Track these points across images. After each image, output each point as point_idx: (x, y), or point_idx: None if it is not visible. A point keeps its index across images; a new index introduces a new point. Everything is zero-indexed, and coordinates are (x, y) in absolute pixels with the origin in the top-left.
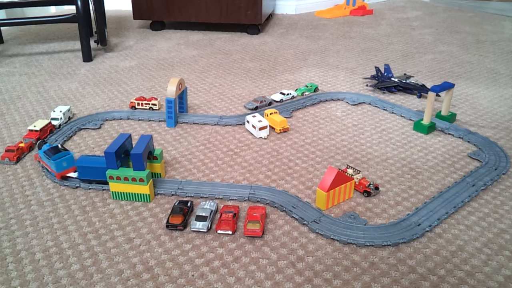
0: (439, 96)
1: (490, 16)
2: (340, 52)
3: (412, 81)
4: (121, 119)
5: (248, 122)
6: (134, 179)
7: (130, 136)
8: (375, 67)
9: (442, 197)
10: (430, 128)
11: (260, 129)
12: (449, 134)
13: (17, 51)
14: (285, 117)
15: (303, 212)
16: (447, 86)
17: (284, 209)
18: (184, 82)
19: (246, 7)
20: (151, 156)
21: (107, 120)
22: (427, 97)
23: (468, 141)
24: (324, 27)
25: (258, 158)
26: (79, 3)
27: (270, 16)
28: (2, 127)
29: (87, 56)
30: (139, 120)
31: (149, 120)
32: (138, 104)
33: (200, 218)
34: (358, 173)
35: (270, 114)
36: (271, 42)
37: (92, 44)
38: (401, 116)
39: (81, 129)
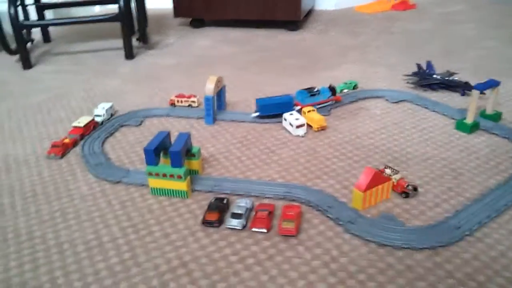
0: (484, 94)
1: None
2: (380, 48)
3: (455, 78)
4: (161, 116)
5: (285, 120)
6: (172, 176)
7: (169, 133)
8: (417, 63)
9: (484, 200)
10: (474, 127)
11: (297, 127)
12: (493, 133)
13: (64, 49)
14: (323, 115)
15: (338, 212)
16: (492, 84)
17: (319, 208)
18: (223, 80)
19: (284, 3)
20: (189, 153)
21: (147, 117)
22: (471, 95)
23: None
24: (364, 23)
25: (294, 156)
26: (121, 2)
27: (310, 12)
28: (49, 124)
29: (129, 54)
30: (178, 117)
31: (188, 117)
32: (178, 101)
33: (235, 216)
34: (397, 173)
35: (308, 112)
36: (310, 39)
37: (134, 42)
38: (443, 114)
39: (123, 125)
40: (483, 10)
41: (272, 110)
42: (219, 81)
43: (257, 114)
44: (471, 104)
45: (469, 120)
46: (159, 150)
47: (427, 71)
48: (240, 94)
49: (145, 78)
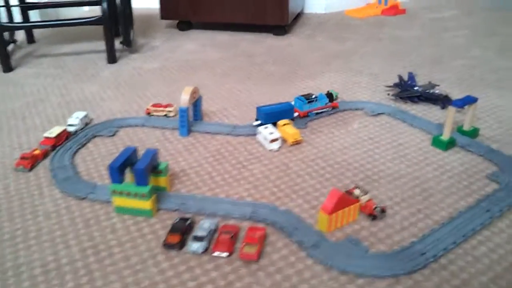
0: (463, 108)
1: None
2: (366, 56)
3: (437, 90)
4: (136, 126)
5: (260, 133)
6: (136, 195)
7: (135, 149)
8: (398, 75)
9: (452, 224)
10: (450, 144)
11: (271, 141)
12: (469, 151)
13: (48, 51)
14: (299, 128)
15: (303, 235)
16: (470, 101)
17: (284, 230)
18: (199, 90)
19: (272, 7)
20: (156, 170)
21: (122, 127)
22: (447, 112)
23: (490, 160)
24: (353, 28)
25: (266, 172)
26: (105, 5)
27: (299, 15)
28: (22, 132)
29: (112, 58)
30: (153, 127)
31: (163, 128)
32: (154, 110)
33: (197, 239)
34: (366, 194)
35: (283, 125)
36: (297, 44)
37: (119, 45)
38: (421, 129)
39: (96, 136)
40: (476, 17)
41: (274, 118)
42: (194, 92)
43: (258, 122)
44: (447, 120)
45: (445, 136)
46: (125, 167)
47: (409, 82)
48: (218, 103)
49: (125, 84)
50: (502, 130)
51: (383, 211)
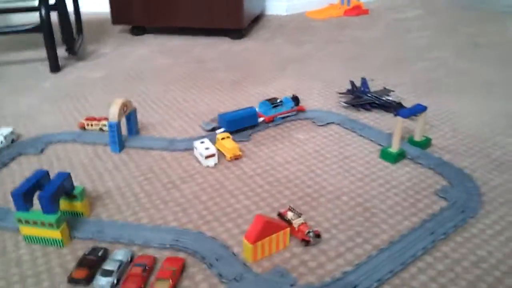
0: (409, 118)
1: (496, 15)
2: (322, 59)
3: (390, 97)
4: (66, 142)
5: (196, 148)
6: (43, 223)
7: (47, 172)
8: (350, 80)
9: (392, 249)
10: (399, 157)
11: (207, 157)
12: (419, 163)
13: None
14: (242, 140)
15: (225, 266)
16: (419, 110)
17: (206, 261)
18: (131, 103)
19: (227, 11)
20: (70, 195)
21: (52, 143)
22: (395, 123)
23: (439, 173)
24: (313, 30)
25: (198, 192)
26: (42, 12)
27: (259, 17)
28: None
29: (54, 67)
30: (85, 143)
31: (96, 144)
32: (88, 124)
33: (105, 273)
34: (299, 217)
35: (222, 139)
36: (253, 48)
37: (64, 52)
38: (370, 140)
39: (21, 154)
40: (440, 16)
41: (238, 124)
42: (125, 105)
43: (222, 130)
44: (395, 132)
45: (394, 148)
46: (33, 192)
47: (362, 88)
48: (160, 114)
49: (66, 95)
50: (455, 139)
51: (317, 235)
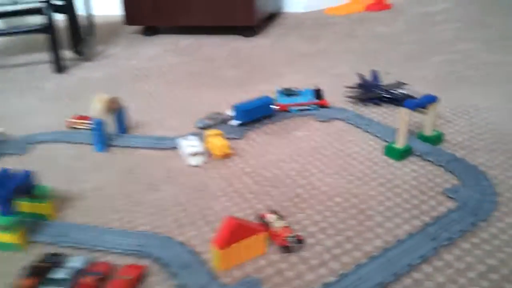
0: (416, 109)
1: None
2: (336, 55)
3: (403, 90)
4: (52, 141)
5: (181, 146)
6: None
7: (29, 173)
8: (359, 74)
9: (385, 256)
10: (405, 153)
11: (192, 155)
12: (428, 161)
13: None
14: (234, 138)
15: (190, 276)
16: (428, 101)
17: (170, 269)
18: (118, 100)
19: (239, 8)
20: (32, 195)
21: (38, 143)
22: (400, 115)
23: (450, 171)
24: (330, 26)
25: (178, 194)
26: (47, 13)
27: (275, 16)
28: None
29: (59, 68)
30: (71, 143)
31: (82, 143)
32: (76, 123)
33: (53, 282)
34: (281, 220)
35: (211, 136)
36: (265, 45)
37: (71, 53)
38: (376, 136)
39: (5, 154)
40: (469, 8)
41: (253, 114)
42: (112, 101)
43: (238, 122)
44: (400, 125)
45: (399, 144)
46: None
47: (372, 82)
48: (158, 112)
49: (67, 95)
50: (472, 134)
51: (299, 241)
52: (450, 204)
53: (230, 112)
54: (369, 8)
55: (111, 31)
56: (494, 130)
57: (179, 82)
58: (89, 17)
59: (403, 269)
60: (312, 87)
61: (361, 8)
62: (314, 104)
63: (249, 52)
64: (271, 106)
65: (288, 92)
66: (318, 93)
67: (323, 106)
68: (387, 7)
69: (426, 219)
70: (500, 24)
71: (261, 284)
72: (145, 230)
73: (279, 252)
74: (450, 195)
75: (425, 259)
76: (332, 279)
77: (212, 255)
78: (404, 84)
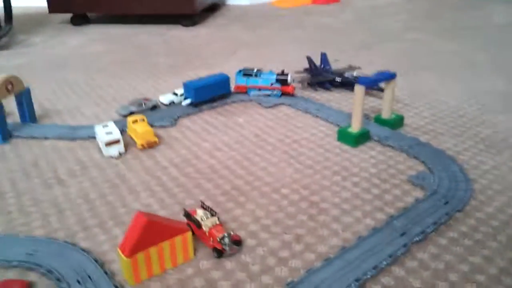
0: (381, 91)
1: (477, 1)
2: (282, 44)
3: (354, 73)
4: None
5: (97, 134)
6: None
7: None
8: (307, 57)
9: (344, 258)
10: (361, 138)
11: (109, 144)
12: (388, 146)
13: None
14: (163, 125)
15: None
16: (385, 77)
17: (62, 285)
18: (20, 82)
19: None
20: None
21: None
22: (354, 93)
23: (415, 157)
24: (275, 18)
25: (87, 189)
26: None
27: (218, 6)
28: None
29: None
30: None
31: None
32: None
33: None
34: (213, 217)
35: (134, 122)
36: (205, 35)
37: None
38: (327, 121)
39: None
40: (417, 2)
41: (206, 94)
42: (11, 82)
43: (189, 101)
44: (355, 105)
45: (355, 128)
46: None
47: (322, 66)
48: (73, 101)
49: None
50: (434, 118)
51: (236, 242)
52: (418, 193)
53: (162, 99)
54: (317, 1)
55: (38, 21)
56: (456, 114)
57: (103, 70)
58: (7, 5)
59: (368, 273)
60: (276, 71)
61: (309, 1)
62: (277, 89)
63: (187, 41)
64: (228, 84)
65: (247, 72)
66: (282, 78)
67: (286, 93)
68: (335, 0)
69: (391, 211)
70: (449, 17)
71: None
72: (38, 236)
73: (211, 257)
74: (417, 183)
75: (394, 260)
76: None
77: (121, 264)
78: (356, 68)
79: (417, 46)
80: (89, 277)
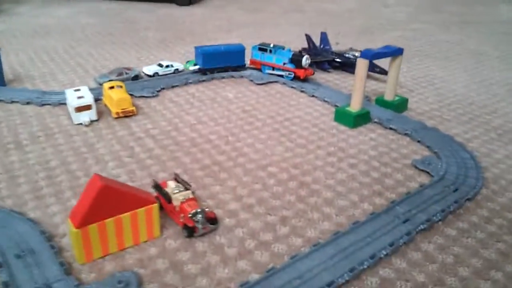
0: (385, 73)
1: None
2: (281, 25)
3: (356, 54)
4: None
5: (67, 99)
6: None
7: None
8: (306, 35)
9: (336, 245)
10: (360, 119)
11: (79, 109)
12: (390, 129)
13: None
14: (144, 96)
15: (28, 269)
16: (391, 52)
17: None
18: None
19: None
20: None
21: None
22: (356, 67)
23: (419, 141)
24: (274, 1)
25: (47, 156)
26: None
27: None
28: None
29: None
30: None
31: None
32: None
33: None
34: (186, 191)
35: (110, 88)
36: (200, 14)
37: None
38: (324, 101)
39: None
40: None
41: (217, 61)
42: None
43: (197, 67)
44: (356, 82)
45: (354, 107)
46: None
47: (321, 46)
48: (49, 67)
49: None
50: (442, 104)
51: (210, 220)
52: (423, 179)
53: (146, 70)
54: None
55: None
56: (465, 101)
57: (86, 40)
58: None
59: (365, 263)
60: (293, 50)
61: None
62: (290, 70)
63: (180, 19)
64: (243, 56)
65: (262, 47)
66: (296, 58)
67: (298, 77)
68: None
69: (392, 196)
70: (453, 10)
71: (136, 283)
72: None
73: (180, 236)
74: (422, 168)
75: (395, 249)
76: (255, 277)
77: (70, 238)
78: (357, 50)
79: (421, 36)
80: (33, 251)
